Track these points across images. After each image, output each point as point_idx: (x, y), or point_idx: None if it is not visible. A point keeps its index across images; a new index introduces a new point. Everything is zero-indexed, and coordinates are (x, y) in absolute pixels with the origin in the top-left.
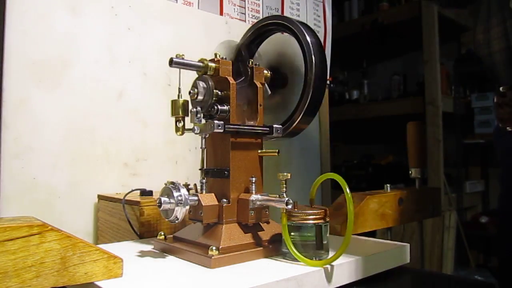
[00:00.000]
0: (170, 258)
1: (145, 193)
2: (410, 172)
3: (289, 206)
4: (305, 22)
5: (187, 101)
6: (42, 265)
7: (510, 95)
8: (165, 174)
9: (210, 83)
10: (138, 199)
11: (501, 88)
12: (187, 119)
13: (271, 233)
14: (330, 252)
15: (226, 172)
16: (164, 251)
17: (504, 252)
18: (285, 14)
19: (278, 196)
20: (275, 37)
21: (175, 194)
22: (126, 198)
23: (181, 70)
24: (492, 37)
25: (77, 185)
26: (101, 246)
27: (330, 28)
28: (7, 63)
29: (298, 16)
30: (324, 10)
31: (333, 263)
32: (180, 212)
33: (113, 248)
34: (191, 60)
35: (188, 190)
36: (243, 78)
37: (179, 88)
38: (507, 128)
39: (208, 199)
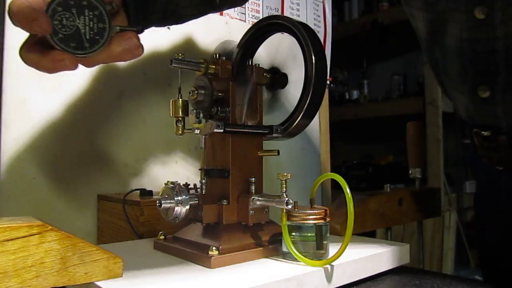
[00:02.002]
0: (170, 258)
1: (145, 193)
2: (410, 172)
3: (289, 206)
4: (305, 22)
5: (187, 101)
6: (42, 265)
7: (495, 140)
8: (165, 174)
9: (210, 83)
10: (138, 199)
11: (483, 133)
12: (187, 119)
13: (271, 233)
14: (330, 252)
15: (226, 172)
16: (164, 251)
17: (482, 250)
18: (285, 14)
19: (278, 196)
20: (275, 37)
21: (175, 194)
22: (126, 198)
23: (181, 70)
24: (456, 99)
25: (77, 185)
26: (101, 246)
27: (330, 28)
28: (7, 63)
29: (298, 16)
30: (324, 10)
31: (333, 263)
32: (180, 212)
33: (113, 248)
34: (191, 60)
35: (188, 190)
36: (243, 78)
37: (179, 88)
38: (497, 167)
39: (208, 199)
